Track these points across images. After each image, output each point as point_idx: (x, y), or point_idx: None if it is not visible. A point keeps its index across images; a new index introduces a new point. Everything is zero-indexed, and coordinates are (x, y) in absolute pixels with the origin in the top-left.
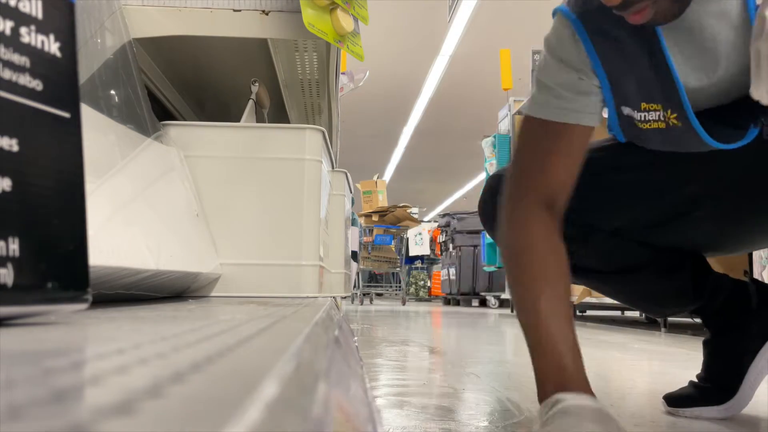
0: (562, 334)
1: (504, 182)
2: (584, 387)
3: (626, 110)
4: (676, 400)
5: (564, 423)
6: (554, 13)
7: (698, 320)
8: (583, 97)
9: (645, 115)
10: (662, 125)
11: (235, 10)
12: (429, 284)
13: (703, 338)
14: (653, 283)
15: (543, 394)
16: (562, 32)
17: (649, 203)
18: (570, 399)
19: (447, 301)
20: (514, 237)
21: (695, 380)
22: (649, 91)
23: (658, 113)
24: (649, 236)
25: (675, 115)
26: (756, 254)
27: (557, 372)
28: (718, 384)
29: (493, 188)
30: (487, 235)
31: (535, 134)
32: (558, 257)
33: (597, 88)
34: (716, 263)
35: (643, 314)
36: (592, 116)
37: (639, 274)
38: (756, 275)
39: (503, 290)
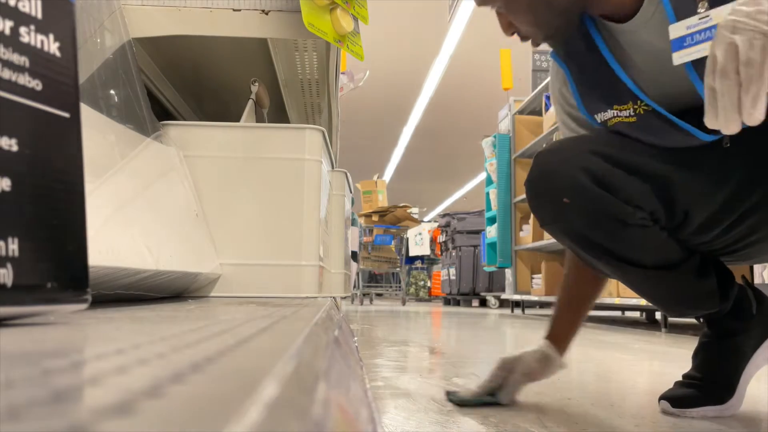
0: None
1: None
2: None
3: (600, 116)
4: (680, 401)
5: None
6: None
7: (698, 321)
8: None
9: (617, 113)
10: (633, 119)
11: (235, 10)
12: (429, 284)
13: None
14: (689, 282)
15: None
16: (551, 68)
17: (718, 204)
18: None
19: (447, 302)
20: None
21: (690, 380)
22: (615, 94)
23: (628, 111)
24: (693, 238)
25: (643, 104)
26: None
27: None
28: (719, 384)
29: None
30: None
31: None
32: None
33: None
34: None
35: (643, 314)
36: None
37: (678, 272)
38: (756, 275)
39: (503, 290)
